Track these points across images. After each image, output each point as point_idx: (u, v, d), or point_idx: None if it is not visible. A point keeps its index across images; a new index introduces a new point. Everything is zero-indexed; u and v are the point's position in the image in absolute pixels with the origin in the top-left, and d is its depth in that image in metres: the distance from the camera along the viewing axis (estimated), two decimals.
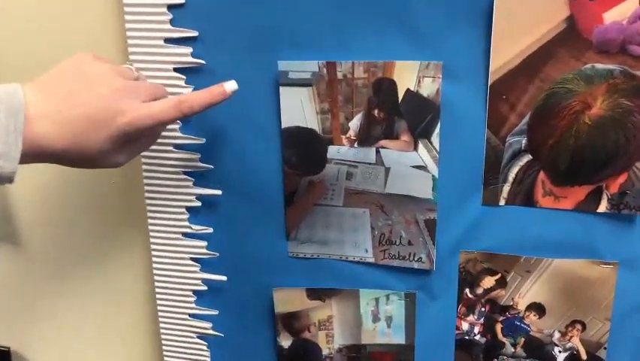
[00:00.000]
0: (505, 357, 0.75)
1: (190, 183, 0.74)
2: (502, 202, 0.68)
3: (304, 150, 0.71)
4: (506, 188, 0.67)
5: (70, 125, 0.49)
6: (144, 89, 0.54)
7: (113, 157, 0.53)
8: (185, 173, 0.74)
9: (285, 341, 0.79)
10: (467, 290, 0.73)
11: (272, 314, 0.78)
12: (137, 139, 0.54)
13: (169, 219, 0.76)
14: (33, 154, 0.48)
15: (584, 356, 0.72)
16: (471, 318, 0.74)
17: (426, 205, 0.70)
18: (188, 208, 0.75)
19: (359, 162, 0.70)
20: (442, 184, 0.68)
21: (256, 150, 0.71)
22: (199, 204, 0.75)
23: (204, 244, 0.77)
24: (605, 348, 0.70)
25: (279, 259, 0.76)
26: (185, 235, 0.76)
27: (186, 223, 0.76)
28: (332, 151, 0.70)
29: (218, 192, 0.74)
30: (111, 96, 0.50)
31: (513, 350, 0.74)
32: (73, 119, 0.49)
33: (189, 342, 0.82)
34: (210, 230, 0.76)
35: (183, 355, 0.83)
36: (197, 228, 0.76)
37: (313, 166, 0.71)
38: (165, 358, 0.83)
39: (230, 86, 0.57)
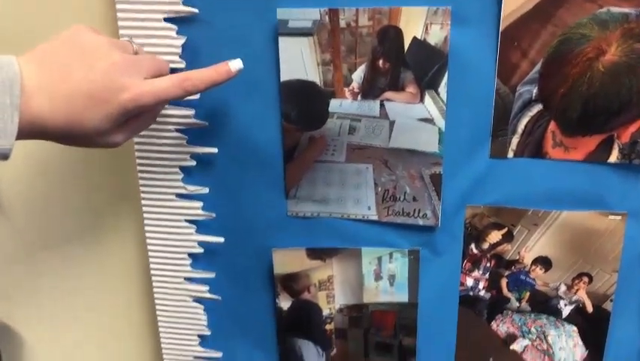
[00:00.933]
0: (509, 312, 0.74)
1: (184, 141, 0.70)
2: (510, 154, 0.66)
3: (304, 105, 0.67)
4: (515, 140, 0.65)
5: (68, 101, 0.46)
6: (146, 64, 0.51)
7: (111, 136, 0.50)
8: (178, 130, 0.70)
9: (285, 303, 0.77)
10: (472, 246, 0.71)
11: (271, 276, 0.76)
12: (136, 117, 0.51)
13: (162, 179, 0.72)
14: (27, 131, 0.45)
15: (589, 308, 0.71)
16: (476, 274, 0.73)
17: (431, 159, 0.67)
18: (182, 168, 0.72)
19: (362, 116, 0.67)
20: (449, 137, 0.66)
21: (254, 104, 0.68)
22: (193, 163, 0.71)
23: (200, 205, 0.73)
24: (611, 300, 0.70)
25: (278, 218, 0.73)
26: (180, 195, 0.73)
27: (180, 184, 0.72)
28: (334, 105, 0.67)
29: (214, 149, 0.70)
30: (111, 71, 0.47)
31: (518, 304, 0.73)
32: (70, 94, 0.46)
33: (185, 306, 0.79)
34: (206, 190, 0.73)
35: (179, 320, 0.80)
36: (191, 188, 0.73)
37: (314, 121, 0.68)
38: (160, 323, 0.80)
39: (236, 64, 0.54)
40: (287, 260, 0.75)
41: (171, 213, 0.74)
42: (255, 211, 0.73)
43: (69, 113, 0.46)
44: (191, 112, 0.69)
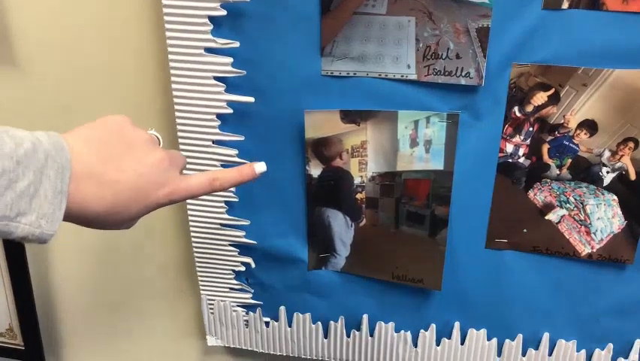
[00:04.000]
0: (548, 180, 0.71)
1: None
2: (565, 5, 0.62)
3: None
4: None
5: (115, 192, 0.46)
6: (178, 160, 0.53)
7: (131, 223, 0.51)
8: None
9: (315, 170, 0.75)
10: (516, 109, 0.68)
11: (302, 140, 0.73)
12: None
13: (188, 31, 0.68)
14: (68, 214, 0.44)
15: (632, 176, 0.69)
16: (517, 139, 0.70)
17: (480, 11, 0.63)
18: (211, 18, 0.67)
19: None
20: None
21: None
22: (224, 13, 0.67)
23: (229, 60, 0.69)
24: None
25: (311, 77, 0.70)
26: (208, 50, 0.69)
27: (209, 37, 0.68)
28: None
29: None
30: (157, 167, 0.49)
31: (558, 172, 0.71)
32: (118, 184, 0.46)
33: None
34: (236, 44, 0.69)
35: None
36: (221, 42, 0.68)
37: None
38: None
39: (260, 167, 0.56)
40: (319, 123, 0.72)
41: (199, 70, 0.70)
42: (286, 69, 0.70)
43: (114, 203, 0.46)
44: None
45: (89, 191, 0.45)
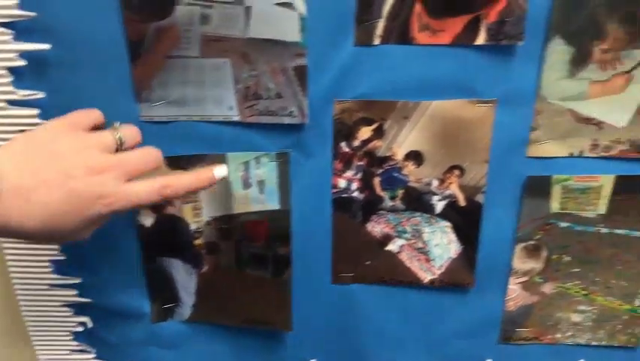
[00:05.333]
0: (384, 212, 0.71)
1: (9, 37, 0.60)
2: (376, 41, 0.61)
3: None
4: (380, 24, 0.61)
5: (44, 207, 0.46)
6: (130, 163, 0.51)
7: (81, 234, 0.50)
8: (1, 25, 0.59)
9: (147, 219, 0.71)
10: (343, 144, 0.67)
11: None
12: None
13: None
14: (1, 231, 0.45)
15: (462, 202, 0.70)
16: (348, 174, 0.69)
17: (295, 50, 0.62)
18: (11, 69, 0.62)
19: (214, 2, 0.60)
20: (311, 24, 0.60)
21: None
22: (23, 63, 0.61)
23: (35, 112, 0.64)
24: (483, 192, 0.68)
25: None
26: (11, 102, 0.63)
27: (11, 88, 0.62)
28: None
29: (46, 46, 0.61)
30: (87, 179, 0.47)
31: (392, 203, 0.71)
32: (47, 201, 0.45)
33: None
34: (40, 95, 0.63)
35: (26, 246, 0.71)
36: (23, 93, 0.63)
37: (159, 8, 0.60)
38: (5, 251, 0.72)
39: (220, 171, 0.56)
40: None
41: (5, 124, 0.64)
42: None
43: (44, 220, 0.46)
44: (15, 1, 0.58)
45: (16, 209, 0.44)
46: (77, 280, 0.74)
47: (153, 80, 0.63)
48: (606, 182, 0.67)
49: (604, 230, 0.70)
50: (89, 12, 0.59)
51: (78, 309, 0.76)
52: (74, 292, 0.75)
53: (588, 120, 0.64)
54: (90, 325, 0.77)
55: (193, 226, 0.72)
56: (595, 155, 0.66)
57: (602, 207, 0.69)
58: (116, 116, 0.63)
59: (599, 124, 0.65)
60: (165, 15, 0.60)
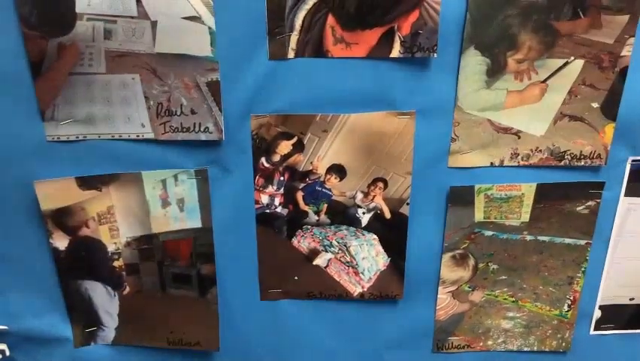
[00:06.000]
0: (309, 227, 0.70)
1: None
2: (290, 55, 0.60)
3: (44, 4, 0.56)
4: (294, 37, 0.59)
5: None
6: None
7: None
8: None
9: (60, 242, 0.68)
10: (263, 159, 0.65)
11: (38, 212, 0.65)
12: None
13: None
14: None
15: (387, 214, 0.69)
16: (270, 189, 0.67)
17: (206, 65, 0.60)
18: None
19: (117, 16, 0.57)
20: (222, 38, 0.58)
21: None
22: None
23: None
24: (407, 204, 0.68)
25: (35, 145, 0.62)
26: None
27: None
28: (81, 4, 0.57)
29: None
30: None
31: (317, 217, 0.69)
32: None
33: None
34: None
35: None
36: None
37: (59, 24, 0.57)
38: None
39: None
40: (54, 193, 0.65)
41: None
42: (5, 139, 0.62)
43: None
44: None
45: None
46: None
47: (57, 97, 0.60)
48: (527, 190, 0.67)
49: (528, 237, 0.70)
50: None
51: None
52: None
53: (507, 130, 0.64)
54: (8, 353, 0.73)
55: (111, 247, 0.69)
56: (515, 164, 0.66)
57: (525, 215, 0.69)
58: (22, 137, 0.61)
59: (517, 133, 0.64)
60: (67, 31, 0.57)
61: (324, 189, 0.68)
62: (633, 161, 0.66)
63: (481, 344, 0.77)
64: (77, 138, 0.62)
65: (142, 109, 0.61)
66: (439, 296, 0.74)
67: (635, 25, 0.59)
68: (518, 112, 0.63)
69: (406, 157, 0.65)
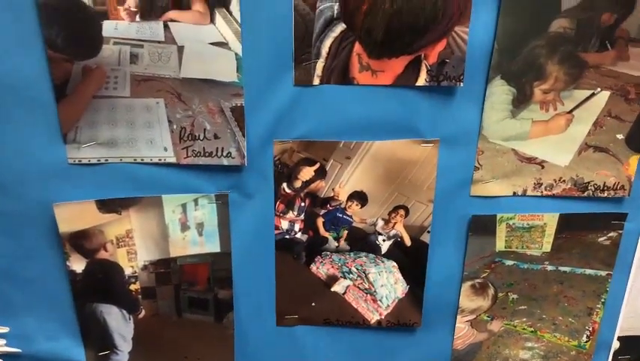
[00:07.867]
0: (328, 253, 0.69)
1: None
2: (316, 81, 0.59)
3: (71, 27, 0.56)
4: (320, 64, 0.59)
5: None
6: None
7: None
8: None
9: (77, 265, 0.67)
10: (285, 185, 0.65)
11: (57, 234, 0.64)
12: None
13: None
14: None
15: (408, 242, 0.68)
16: (291, 215, 0.67)
17: (231, 90, 0.59)
18: None
19: (144, 41, 0.57)
20: (248, 64, 0.58)
21: (9, 29, 0.55)
22: None
23: None
24: (428, 231, 0.67)
25: (56, 168, 0.62)
26: None
27: None
28: (108, 27, 0.56)
29: None
30: None
31: (337, 244, 0.69)
32: None
33: None
34: None
35: None
36: None
37: (85, 47, 0.57)
38: None
39: None
40: (73, 215, 0.64)
41: None
42: (28, 161, 0.61)
43: None
44: None
45: None
46: (5, 330, 0.69)
47: (80, 120, 0.60)
48: (550, 220, 0.67)
49: (549, 267, 0.70)
50: (12, 52, 0.56)
51: (8, 360, 0.71)
52: (2, 341, 0.70)
53: (531, 160, 0.64)
54: None
55: (128, 271, 0.68)
56: (538, 194, 0.65)
57: (546, 245, 0.68)
58: (43, 159, 0.60)
59: (541, 163, 0.64)
60: (93, 54, 0.57)
61: (344, 216, 0.67)
62: None
63: None
64: (99, 160, 0.62)
65: (165, 133, 0.61)
66: (457, 325, 0.73)
67: None
68: (543, 142, 0.63)
69: (429, 185, 0.65)
